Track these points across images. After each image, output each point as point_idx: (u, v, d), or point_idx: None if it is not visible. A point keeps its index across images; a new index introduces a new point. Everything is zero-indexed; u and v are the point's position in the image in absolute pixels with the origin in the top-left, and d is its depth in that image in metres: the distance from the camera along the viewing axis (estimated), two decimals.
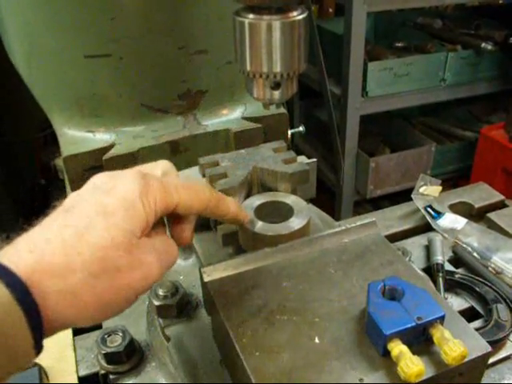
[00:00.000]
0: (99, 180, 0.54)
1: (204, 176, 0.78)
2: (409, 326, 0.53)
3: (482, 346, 0.55)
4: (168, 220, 0.60)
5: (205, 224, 0.81)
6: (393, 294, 0.58)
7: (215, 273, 0.65)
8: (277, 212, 0.75)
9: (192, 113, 1.30)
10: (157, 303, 0.77)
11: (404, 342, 0.53)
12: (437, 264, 0.99)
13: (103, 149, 1.24)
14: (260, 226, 0.70)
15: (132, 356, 0.81)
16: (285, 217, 0.72)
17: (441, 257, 1.01)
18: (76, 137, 1.27)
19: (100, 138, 1.27)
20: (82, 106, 1.25)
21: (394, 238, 1.13)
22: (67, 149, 1.24)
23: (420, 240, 1.12)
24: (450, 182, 2.74)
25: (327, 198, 2.75)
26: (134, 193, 0.51)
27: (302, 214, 0.72)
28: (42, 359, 0.85)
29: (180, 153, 1.28)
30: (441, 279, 0.95)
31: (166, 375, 0.79)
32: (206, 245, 0.81)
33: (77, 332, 0.93)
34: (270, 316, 0.60)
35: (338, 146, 2.43)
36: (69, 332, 0.92)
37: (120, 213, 0.49)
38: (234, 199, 0.65)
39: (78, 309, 0.46)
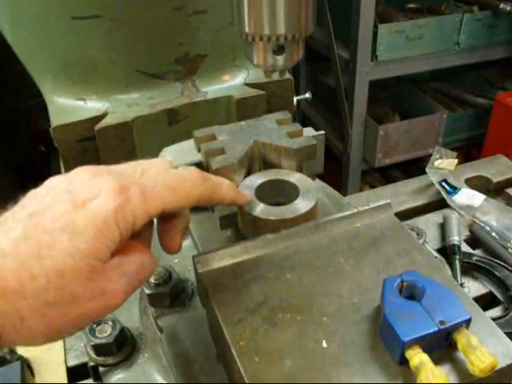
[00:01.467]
0: (77, 179, 0.47)
1: (199, 151, 0.70)
2: (431, 331, 0.46)
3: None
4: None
5: None
6: (411, 292, 0.51)
7: (210, 262, 0.58)
8: (280, 192, 0.67)
9: (190, 79, 1.21)
10: (148, 292, 0.70)
11: (424, 349, 0.46)
12: (453, 245, 0.92)
13: (95, 118, 1.16)
14: (261, 208, 0.62)
15: (123, 347, 0.75)
16: (289, 198, 0.65)
17: (457, 237, 0.93)
18: (66, 105, 1.19)
19: (92, 106, 1.19)
20: (72, 72, 1.16)
21: (405, 214, 1.06)
22: (57, 118, 1.16)
23: (434, 217, 1.04)
24: (462, 150, 2.65)
25: (334, 167, 2.67)
26: (109, 210, 0.44)
27: (309, 194, 0.65)
28: (28, 349, 0.80)
29: (178, 122, 1.20)
30: (457, 262, 0.88)
31: (160, 368, 0.73)
32: (202, 227, 0.74)
33: None
34: (271, 314, 0.53)
35: (345, 113, 2.34)
36: None
37: (89, 233, 0.42)
38: (230, 182, 0.58)
39: (23, 334, 0.41)
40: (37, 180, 0.48)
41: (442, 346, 0.48)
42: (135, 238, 0.49)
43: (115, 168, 0.51)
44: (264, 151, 0.69)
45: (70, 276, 0.41)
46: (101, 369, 0.74)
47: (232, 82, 1.25)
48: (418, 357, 0.45)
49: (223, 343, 0.53)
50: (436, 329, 0.46)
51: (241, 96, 1.21)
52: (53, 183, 0.47)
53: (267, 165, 0.70)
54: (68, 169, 1.15)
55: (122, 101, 1.19)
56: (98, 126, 1.13)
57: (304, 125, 0.79)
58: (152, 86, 1.20)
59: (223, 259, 0.58)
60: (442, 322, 0.46)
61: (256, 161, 0.70)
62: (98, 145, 1.14)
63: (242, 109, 1.21)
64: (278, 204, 0.64)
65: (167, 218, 0.53)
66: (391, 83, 2.65)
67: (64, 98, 1.20)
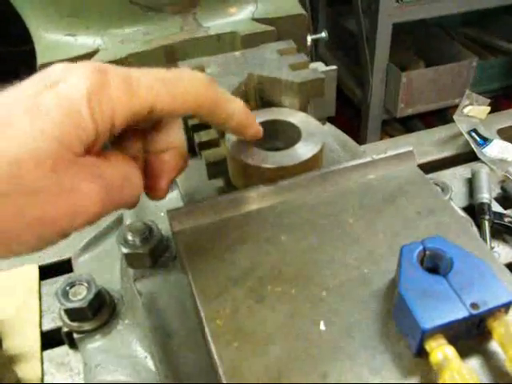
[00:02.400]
0: (53, 69, 0.37)
1: None
2: (459, 317, 0.35)
3: None
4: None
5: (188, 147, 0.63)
6: (436, 264, 0.40)
7: (189, 219, 0.48)
8: (279, 135, 0.56)
9: (191, 12, 1.08)
10: (125, 250, 0.60)
11: (449, 339, 0.35)
12: (482, 203, 0.80)
13: (86, 55, 1.04)
14: (254, 154, 0.51)
15: (100, 311, 0.66)
16: (289, 142, 0.54)
17: (487, 195, 0.82)
18: (54, 41, 1.07)
19: (82, 42, 1.07)
20: (60, 3, 1.04)
21: (429, 167, 0.95)
22: (43, 56, 1.04)
23: (462, 171, 0.93)
24: (491, 100, 2.48)
25: (353, 116, 2.52)
26: (81, 91, 0.34)
27: (314, 138, 0.53)
28: (1, 309, 0.72)
29: (176, 60, 1.07)
30: (486, 223, 0.77)
31: (141, 337, 0.64)
32: (190, 176, 0.63)
33: (45, 275, 0.79)
34: (258, 286, 0.42)
35: (366, 59, 2.19)
36: (35, 274, 0.78)
37: (56, 115, 0.33)
38: (244, 103, 0.46)
39: None
40: None
41: (471, 335, 0.37)
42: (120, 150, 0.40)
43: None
44: (261, 86, 0.57)
45: (29, 162, 0.31)
46: (75, 336, 0.66)
47: (238, 16, 1.11)
48: (440, 350, 0.35)
49: (199, 320, 0.43)
50: (466, 314, 0.35)
51: (247, 32, 1.07)
52: (23, 82, 0.37)
53: (265, 103, 0.58)
54: None
55: (115, 36, 1.07)
56: None
57: None
58: (148, 20, 1.08)
59: (204, 215, 0.48)
60: (474, 306, 0.36)
61: (252, 98, 0.58)
62: None
63: (248, 46, 1.08)
64: (275, 149, 0.53)
65: (155, 150, 0.43)
66: (417, 27, 2.46)
67: (52, 34, 1.08)
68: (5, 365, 0.67)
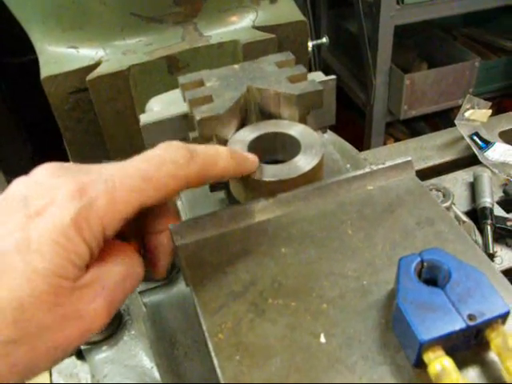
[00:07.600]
0: (36, 180, 0.38)
1: (185, 100, 0.59)
2: (456, 329, 0.36)
3: None
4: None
5: None
6: (434, 276, 0.40)
7: (190, 233, 0.48)
8: (278, 148, 0.57)
9: (192, 22, 1.09)
10: None
11: (447, 350, 0.36)
12: (484, 208, 0.80)
13: (88, 67, 1.06)
14: None
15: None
16: (289, 154, 0.54)
17: (489, 199, 0.82)
18: (57, 54, 1.09)
19: (84, 54, 1.08)
20: (62, 16, 1.06)
21: (431, 172, 0.95)
22: (46, 69, 1.06)
23: (464, 175, 0.93)
24: (494, 101, 2.47)
25: (357, 119, 2.53)
26: (67, 218, 0.35)
27: (313, 150, 0.54)
28: None
29: (178, 70, 1.09)
30: (489, 227, 0.77)
31: (147, 348, 0.65)
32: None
33: None
34: (259, 299, 0.43)
35: (368, 61, 2.19)
36: None
37: (46, 249, 0.33)
38: (228, 149, 0.47)
39: None
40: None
41: (469, 346, 0.38)
42: (119, 237, 0.40)
43: (83, 166, 0.41)
44: (261, 99, 0.58)
45: (31, 304, 0.32)
46: (83, 347, 0.67)
47: (239, 25, 1.13)
48: (439, 362, 0.35)
49: (202, 335, 0.44)
50: (463, 326, 0.36)
51: (248, 40, 1.09)
52: (12, 189, 0.38)
53: (265, 115, 0.59)
54: (62, 124, 1.04)
55: (117, 48, 1.09)
56: (90, 76, 1.03)
57: (325, 74, 0.68)
58: (149, 31, 1.09)
59: (206, 229, 0.49)
60: (471, 317, 0.36)
61: (252, 111, 0.59)
62: (92, 97, 1.05)
63: (249, 55, 1.09)
64: (275, 162, 0.54)
65: (152, 231, 0.45)
66: (419, 29, 2.47)
67: (54, 47, 1.09)
68: None
